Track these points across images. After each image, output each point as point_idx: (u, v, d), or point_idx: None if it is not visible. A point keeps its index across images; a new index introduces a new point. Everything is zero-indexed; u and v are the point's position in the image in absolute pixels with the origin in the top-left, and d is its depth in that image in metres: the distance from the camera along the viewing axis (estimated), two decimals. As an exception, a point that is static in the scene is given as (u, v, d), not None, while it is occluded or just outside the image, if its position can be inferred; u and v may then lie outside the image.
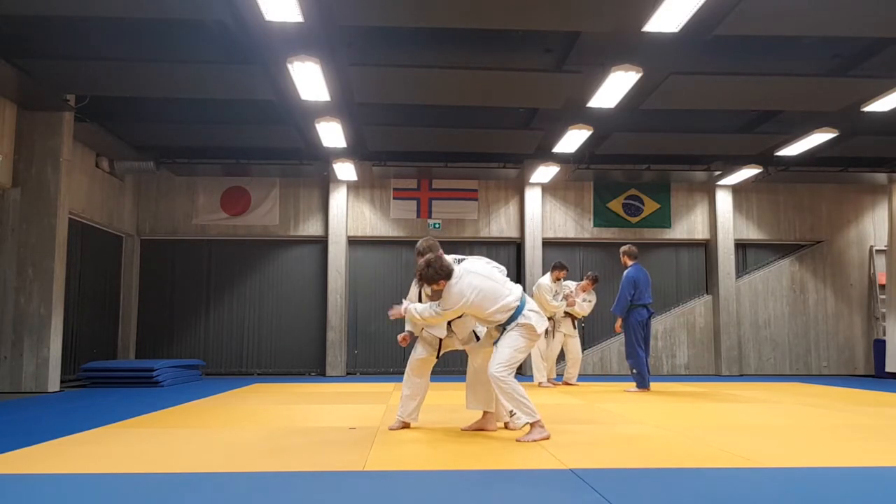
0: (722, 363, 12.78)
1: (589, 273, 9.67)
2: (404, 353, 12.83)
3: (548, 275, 9.32)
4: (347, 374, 12.49)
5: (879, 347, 12.61)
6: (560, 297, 9.21)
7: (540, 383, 9.19)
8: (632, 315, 8.70)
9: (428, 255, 4.67)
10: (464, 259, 4.79)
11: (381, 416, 5.77)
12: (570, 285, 9.45)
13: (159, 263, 12.71)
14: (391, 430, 4.93)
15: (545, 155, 11.51)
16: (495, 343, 4.70)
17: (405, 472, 3.51)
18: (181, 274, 12.77)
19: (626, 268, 8.87)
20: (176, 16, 6.74)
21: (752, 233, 13.28)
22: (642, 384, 8.60)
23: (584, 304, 9.52)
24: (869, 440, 4.76)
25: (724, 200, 13.11)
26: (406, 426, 5.04)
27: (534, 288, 9.44)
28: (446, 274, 4.56)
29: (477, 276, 4.62)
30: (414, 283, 5.03)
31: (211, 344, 12.59)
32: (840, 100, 8.68)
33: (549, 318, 9.16)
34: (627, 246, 9.10)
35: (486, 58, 7.74)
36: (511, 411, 4.59)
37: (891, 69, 7.84)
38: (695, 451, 4.23)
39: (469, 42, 7.55)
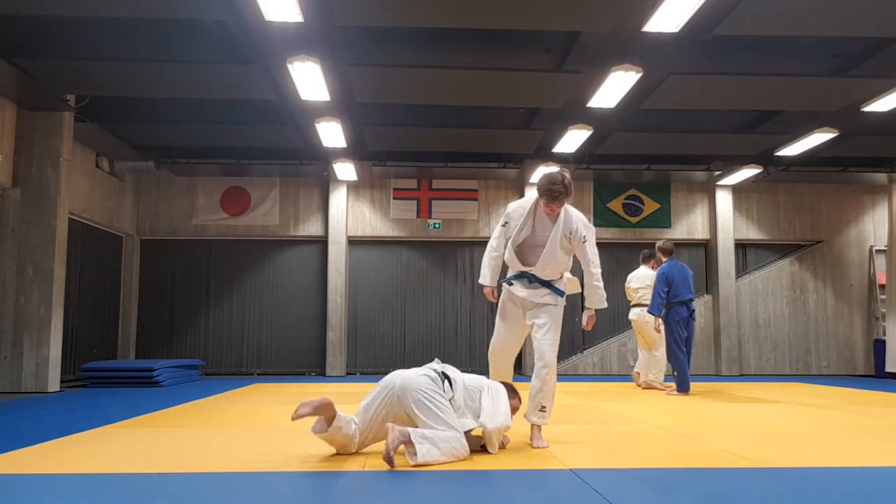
0: (722, 363, 12.78)
1: None
2: (404, 354, 12.91)
3: (645, 268, 9.19)
4: (347, 374, 12.49)
5: (879, 347, 12.61)
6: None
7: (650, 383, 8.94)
8: (670, 314, 8.25)
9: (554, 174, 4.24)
10: None
11: (381, 416, 5.76)
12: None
13: (159, 263, 12.71)
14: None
15: (545, 155, 11.51)
16: (535, 322, 4.32)
17: (405, 472, 3.51)
18: (181, 274, 12.77)
19: (661, 264, 8.52)
20: (176, 16, 6.74)
21: (752, 233, 13.28)
22: (682, 387, 8.21)
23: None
24: (869, 440, 4.76)
25: (724, 200, 13.11)
26: None
27: (647, 281, 8.98)
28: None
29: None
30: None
31: (211, 344, 12.59)
32: (840, 100, 8.68)
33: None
34: (662, 241, 8.74)
35: (486, 58, 7.74)
36: (543, 406, 4.30)
37: (891, 69, 7.84)
38: (695, 451, 4.23)
39: (469, 42, 7.55)
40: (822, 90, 8.38)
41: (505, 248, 4.44)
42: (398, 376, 3.85)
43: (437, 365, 4.02)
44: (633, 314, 9.16)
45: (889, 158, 11.99)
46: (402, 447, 3.62)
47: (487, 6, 6.36)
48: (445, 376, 3.91)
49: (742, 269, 13.40)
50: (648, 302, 8.62)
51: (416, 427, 3.69)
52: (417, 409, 3.70)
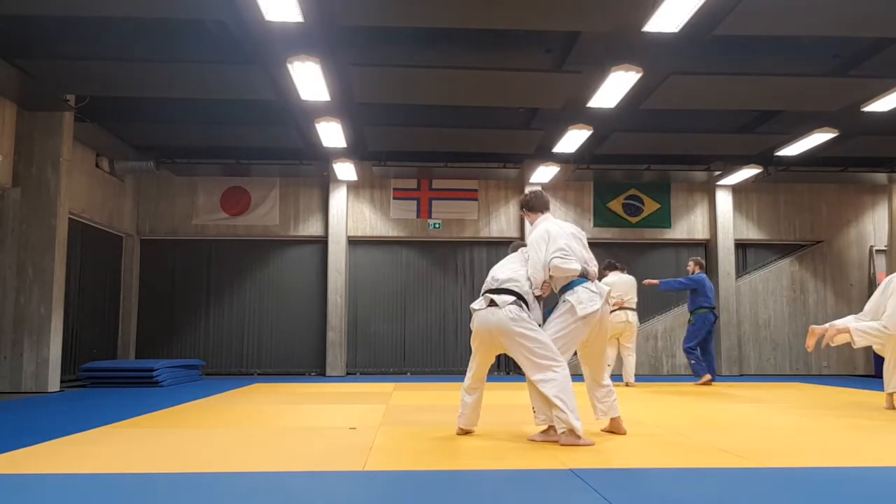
0: (722, 363, 12.77)
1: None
2: (404, 354, 12.91)
3: (619, 273, 9.67)
4: (347, 374, 12.49)
5: (879, 347, 12.59)
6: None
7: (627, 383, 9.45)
8: (700, 318, 9.62)
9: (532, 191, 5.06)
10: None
11: (381, 416, 5.78)
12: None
13: (159, 263, 12.71)
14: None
15: (545, 155, 11.51)
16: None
17: (405, 472, 3.51)
18: (181, 274, 12.77)
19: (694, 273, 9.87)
20: (176, 16, 6.75)
21: (752, 233, 13.28)
22: (702, 371, 9.56)
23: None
24: (869, 440, 4.76)
25: (724, 200, 13.11)
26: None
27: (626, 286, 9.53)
28: (541, 205, 4.90)
29: (555, 224, 4.77)
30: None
31: (211, 344, 12.59)
32: (840, 100, 8.68)
33: None
34: (698, 257, 10.23)
35: (486, 58, 7.74)
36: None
37: (891, 69, 7.84)
38: (695, 451, 4.23)
39: (469, 42, 7.55)
40: (822, 90, 8.39)
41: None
42: (487, 326, 4.84)
43: (493, 290, 4.85)
44: (624, 317, 9.39)
45: (889, 158, 11.99)
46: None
47: (487, 6, 6.36)
48: (520, 298, 4.60)
49: (742, 269, 13.40)
50: (634, 305, 9.53)
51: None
52: (518, 356, 4.52)
